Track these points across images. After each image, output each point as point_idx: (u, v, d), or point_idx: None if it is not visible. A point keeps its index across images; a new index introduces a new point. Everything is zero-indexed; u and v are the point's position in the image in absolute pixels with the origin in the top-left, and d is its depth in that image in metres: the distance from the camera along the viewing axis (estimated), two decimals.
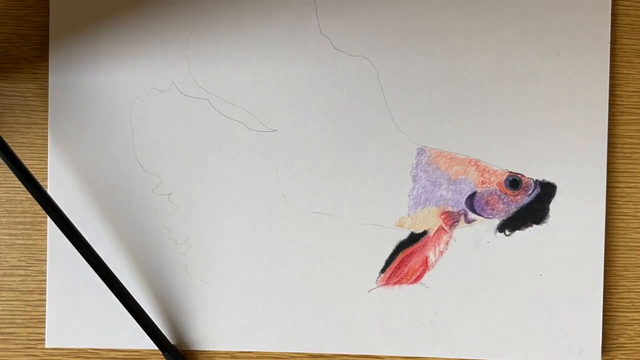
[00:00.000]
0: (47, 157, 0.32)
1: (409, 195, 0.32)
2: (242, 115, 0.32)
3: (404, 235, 0.32)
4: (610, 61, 0.32)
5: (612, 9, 0.32)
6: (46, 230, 0.32)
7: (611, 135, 0.32)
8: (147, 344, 0.32)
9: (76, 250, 0.31)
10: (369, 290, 0.32)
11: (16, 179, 0.29)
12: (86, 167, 0.32)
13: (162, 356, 0.31)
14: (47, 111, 0.32)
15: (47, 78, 0.32)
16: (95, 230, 0.30)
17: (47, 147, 0.32)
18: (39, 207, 0.31)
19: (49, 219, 0.32)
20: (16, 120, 0.32)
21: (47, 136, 0.32)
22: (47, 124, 0.32)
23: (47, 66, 0.32)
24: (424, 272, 0.32)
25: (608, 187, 0.32)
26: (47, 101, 0.32)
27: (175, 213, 0.32)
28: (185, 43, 0.32)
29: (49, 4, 0.32)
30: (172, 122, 0.32)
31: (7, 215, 0.32)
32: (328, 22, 0.32)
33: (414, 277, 0.32)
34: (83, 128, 0.32)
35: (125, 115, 0.32)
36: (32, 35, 0.32)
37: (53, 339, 0.32)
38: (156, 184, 0.32)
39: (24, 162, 0.29)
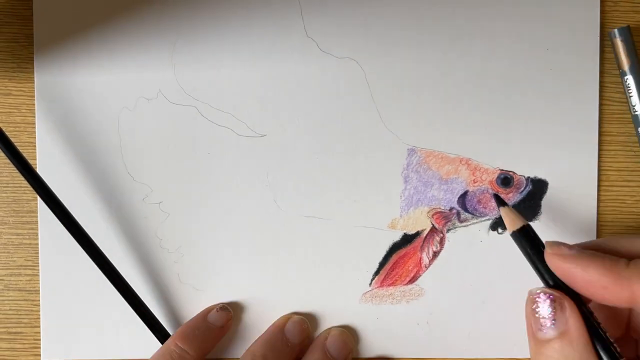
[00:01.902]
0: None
1: (400, 196, 0.32)
2: (230, 121, 0.32)
3: (397, 236, 0.32)
4: (600, 55, 0.32)
5: (601, 2, 0.32)
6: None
7: (602, 130, 0.32)
8: (147, 352, 0.32)
9: (69, 259, 0.31)
10: (364, 293, 0.32)
11: (23, 178, 0.29)
12: (74, 178, 0.32)
13: None
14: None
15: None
16: None
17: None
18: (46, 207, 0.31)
19: (40, 224, 0.32)
20: (23, 120, 0.32)
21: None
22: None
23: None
24: (418, 272, 0.32)
25: (599, 182, 0.32)
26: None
27: (166, 222, 0.32)
28: (171, 50, 0.31)
29: (32, 17, 0.31)
30: (160, 130, 0.32)
31: (14, 215, 0.32)
32: (314, 24, 0.31)
33: (408, 279, 0.32)
34: (70, 140, 0.32)
35: (112, 125, 0.32)
36: None
37: (49, 352, 0.32)
38: (146, 193, 0.32)
39: (30, 162, 0.29)
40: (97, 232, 0.31)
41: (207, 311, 0.31)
